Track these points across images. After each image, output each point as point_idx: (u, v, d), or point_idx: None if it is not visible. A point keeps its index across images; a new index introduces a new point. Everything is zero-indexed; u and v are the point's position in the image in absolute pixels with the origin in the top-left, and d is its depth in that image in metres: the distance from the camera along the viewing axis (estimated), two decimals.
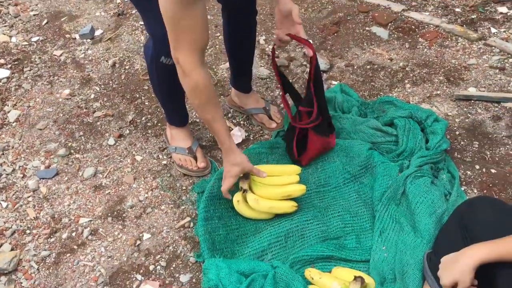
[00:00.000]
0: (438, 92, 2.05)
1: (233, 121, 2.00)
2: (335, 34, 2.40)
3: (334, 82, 2.13)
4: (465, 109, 1.96)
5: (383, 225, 1.51)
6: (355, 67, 2.21)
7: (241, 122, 2.00)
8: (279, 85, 1.76)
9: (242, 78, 1.91)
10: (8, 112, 2.10)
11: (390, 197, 1.56)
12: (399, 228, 1.49)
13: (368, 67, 2.20)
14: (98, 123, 2.03)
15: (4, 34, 2.49)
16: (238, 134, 1.90)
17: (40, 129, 2.03)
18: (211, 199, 1.58)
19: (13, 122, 2.06)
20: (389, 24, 2.42)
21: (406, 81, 2.11)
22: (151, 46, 1.50)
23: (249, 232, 1.56)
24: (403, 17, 2.46)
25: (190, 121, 1.89)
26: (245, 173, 1.53)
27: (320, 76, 1.65)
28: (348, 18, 2.50)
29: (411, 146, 1.70)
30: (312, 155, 1.72)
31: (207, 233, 1.50)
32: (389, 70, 2.17)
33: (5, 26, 2.56)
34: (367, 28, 2.41)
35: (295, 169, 1.63)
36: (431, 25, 2.38)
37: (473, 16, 2.41)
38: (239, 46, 1.78)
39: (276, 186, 1.57)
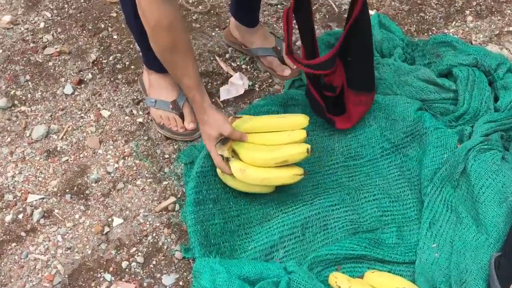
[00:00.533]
0: (511, 28, 1.81)
1: (233, 64, 1.77)
2: None
3: (369, 12, 1.83)
4: None
5: (433, 215, 1.36)
6: None
7: (243, 67, 1.77)
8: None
9: (247, 5, 1.65)
10: None
11: (444, 177, 1.39)
12: (455, 220, 1.34)
13: None
14: (50, 64, 1.81)
15: None
16: (239, 83, 1.66)
17: None
18: (204, 176, 1.39)
19: None
20: None
21: (467, 12, 1.89)
22: None
23: (254, 221, 1.39)
24: None
25: None
26: (224, 137, 1.32)
27: (369, 21, 1.43)
28: None
29: (475, 107, 1.53)
30: (354, 120, 1.53)
31: (198, 222, 1.33)
32: None
33: None
34: None
35: (302, 121, 1.34)
36: None
37: None
38: None
39: (269, 148, 1.32)
